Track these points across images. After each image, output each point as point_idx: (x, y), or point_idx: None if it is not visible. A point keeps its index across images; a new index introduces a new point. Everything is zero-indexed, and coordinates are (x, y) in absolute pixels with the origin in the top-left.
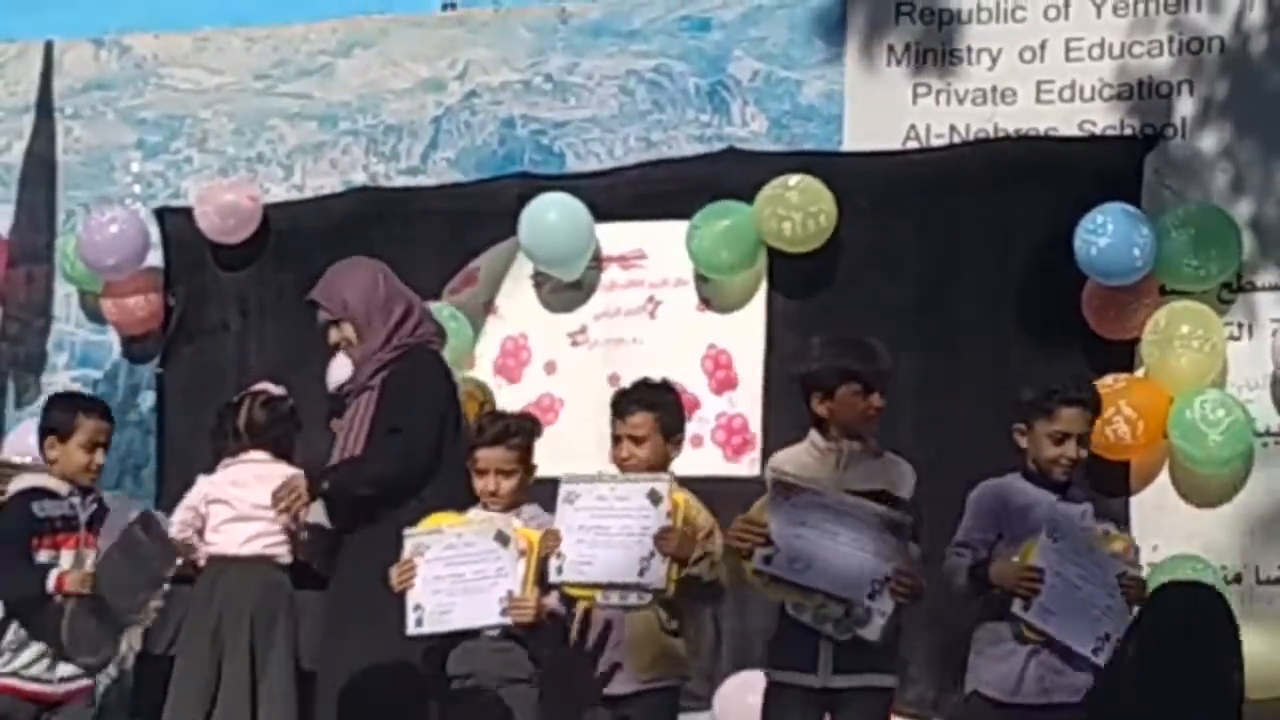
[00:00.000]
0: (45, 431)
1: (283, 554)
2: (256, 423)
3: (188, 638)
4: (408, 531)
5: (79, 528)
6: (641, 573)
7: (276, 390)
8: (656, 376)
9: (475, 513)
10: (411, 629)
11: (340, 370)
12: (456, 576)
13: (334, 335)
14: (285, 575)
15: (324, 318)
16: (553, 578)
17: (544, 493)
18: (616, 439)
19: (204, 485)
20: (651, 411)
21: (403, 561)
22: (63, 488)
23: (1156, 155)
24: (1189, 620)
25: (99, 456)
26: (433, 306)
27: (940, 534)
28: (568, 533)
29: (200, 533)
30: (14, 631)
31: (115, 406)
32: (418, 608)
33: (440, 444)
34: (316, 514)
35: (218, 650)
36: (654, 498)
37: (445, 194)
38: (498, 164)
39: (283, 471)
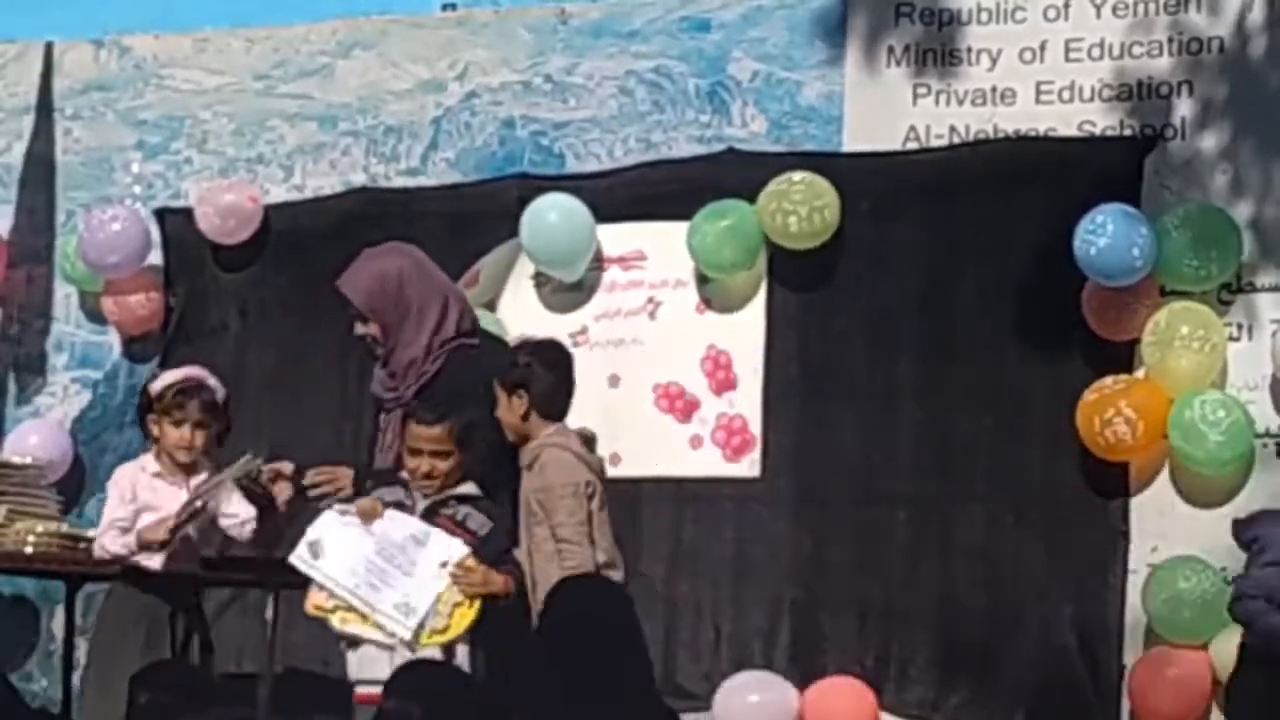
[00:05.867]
0: None
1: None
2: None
3: (108, 651)
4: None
5: None
6: None
7: (212, 381)
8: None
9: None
10: None
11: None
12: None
13: (359, 328)
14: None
15: (351, 310)
16: None
17: None
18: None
19: (126, 485)
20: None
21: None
22: None
23: (1156, 156)
24: None
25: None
26: None
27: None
28: None
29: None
30: None
31: (115, 407)
32: None
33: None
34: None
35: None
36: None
37: (445, 195)
38: (498, 165)
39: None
